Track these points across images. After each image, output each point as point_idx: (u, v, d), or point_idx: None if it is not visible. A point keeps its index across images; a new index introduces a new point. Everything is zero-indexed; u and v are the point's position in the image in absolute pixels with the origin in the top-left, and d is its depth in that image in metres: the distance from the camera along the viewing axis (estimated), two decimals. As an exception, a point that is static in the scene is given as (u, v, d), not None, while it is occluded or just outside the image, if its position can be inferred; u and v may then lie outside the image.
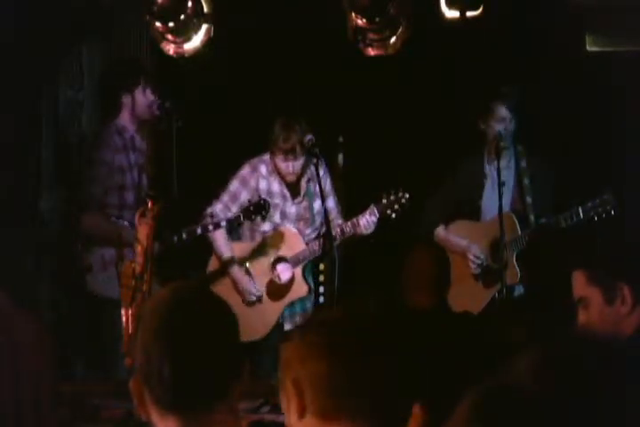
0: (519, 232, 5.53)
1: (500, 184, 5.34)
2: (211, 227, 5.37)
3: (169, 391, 1.89)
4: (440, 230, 5.79)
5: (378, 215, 5.53)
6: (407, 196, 5.55)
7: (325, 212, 5.39)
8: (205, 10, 5.62)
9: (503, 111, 5.56)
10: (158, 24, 5.57)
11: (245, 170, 5.72)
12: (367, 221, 5.53)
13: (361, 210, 5.60)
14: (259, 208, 5.34)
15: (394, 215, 5.52)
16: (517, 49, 6.08)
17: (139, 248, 4.32)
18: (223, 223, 5.42)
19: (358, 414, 2.19)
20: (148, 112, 5.63)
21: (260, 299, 5.67)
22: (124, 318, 4.24)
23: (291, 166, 5.64)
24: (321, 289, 5.60)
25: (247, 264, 5.68)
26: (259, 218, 5.45)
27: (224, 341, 1.93)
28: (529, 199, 5.62)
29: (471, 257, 5.67)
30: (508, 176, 5.60)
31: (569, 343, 1.49)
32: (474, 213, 5.75)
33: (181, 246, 5.19)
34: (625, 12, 5.85)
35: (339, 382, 2.19)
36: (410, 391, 2.00)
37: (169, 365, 1.88)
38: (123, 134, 5.64)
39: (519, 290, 5.60)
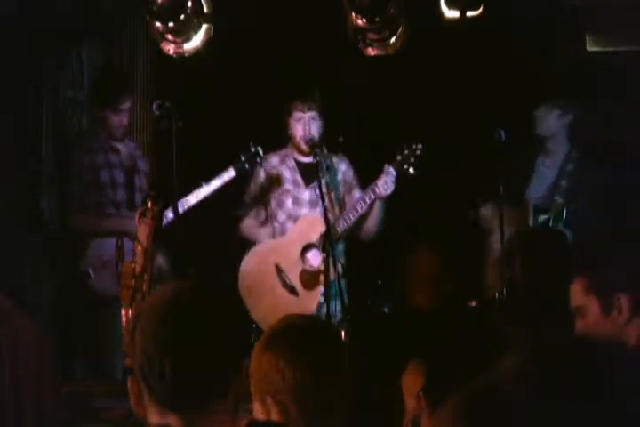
0: None
1: None
2: (204, 189, 5.56)
3: (168, 391, 1.89)
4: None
5: (395, 173, 5.54)
6: (420, 146, 5.55)
7: (325, 212, 5.38)
8: (205, 10, 5.62)
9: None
10: (158, 24, 5.56)
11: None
12: (384, 181, 5.54)
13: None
14: (251, 157, 5.61)
15: (412, 169, 5.53)
16: (517, 49, 6.08)
17: (139, 248, 4.31)
18: (217, 182, 5.58)
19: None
20: (118, 132, 5.71)
21: (295, 291, 5.67)
22: (124, 318, 4.25)
23: (306, 128, 5.63)
24: (321, 289, 5.58)
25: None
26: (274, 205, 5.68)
27: (224, 340, 1.93)
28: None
29: None
30: None
31: (554, 345, 1.49)
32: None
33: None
34: (625, 12, 5.85)
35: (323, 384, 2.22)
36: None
37: (169, 364, 1.88)
38: (99, 137, 5.74)
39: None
